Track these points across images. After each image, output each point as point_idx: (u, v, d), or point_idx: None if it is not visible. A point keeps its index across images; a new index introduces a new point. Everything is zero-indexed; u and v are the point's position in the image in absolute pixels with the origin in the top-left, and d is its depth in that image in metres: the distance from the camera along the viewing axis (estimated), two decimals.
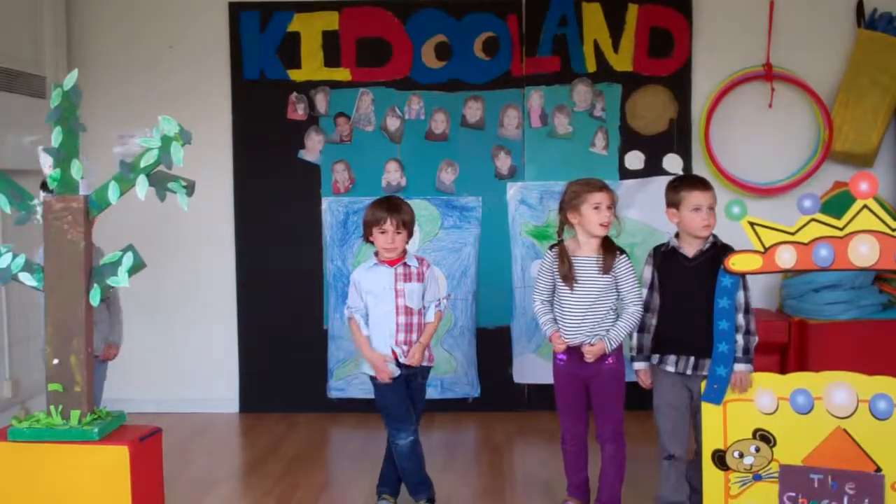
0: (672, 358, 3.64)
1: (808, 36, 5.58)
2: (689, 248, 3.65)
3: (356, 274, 3.97)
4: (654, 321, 3.71)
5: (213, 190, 5.54)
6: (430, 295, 3.96)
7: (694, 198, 3.61)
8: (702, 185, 3.67)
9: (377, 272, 3.90)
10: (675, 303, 3.65)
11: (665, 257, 3.69)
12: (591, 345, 3.64)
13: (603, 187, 3.69)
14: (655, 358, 3.69)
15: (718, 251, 3.59)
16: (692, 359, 3.60)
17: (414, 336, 3.87)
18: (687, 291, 3.62)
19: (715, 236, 3.66)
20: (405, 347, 3.85)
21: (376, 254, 3.94)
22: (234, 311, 5.79)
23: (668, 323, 3.66)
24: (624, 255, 3.69)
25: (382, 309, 3.87)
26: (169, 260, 5.63)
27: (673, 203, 3.67)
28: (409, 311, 3.88)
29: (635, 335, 3.72)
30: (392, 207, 3.85)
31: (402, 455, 3.88)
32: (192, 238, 5.74)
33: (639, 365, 3.74)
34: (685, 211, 3.62)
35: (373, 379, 3.92)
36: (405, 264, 3.91)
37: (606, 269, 3.65)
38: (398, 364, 3.85)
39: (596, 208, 3.64)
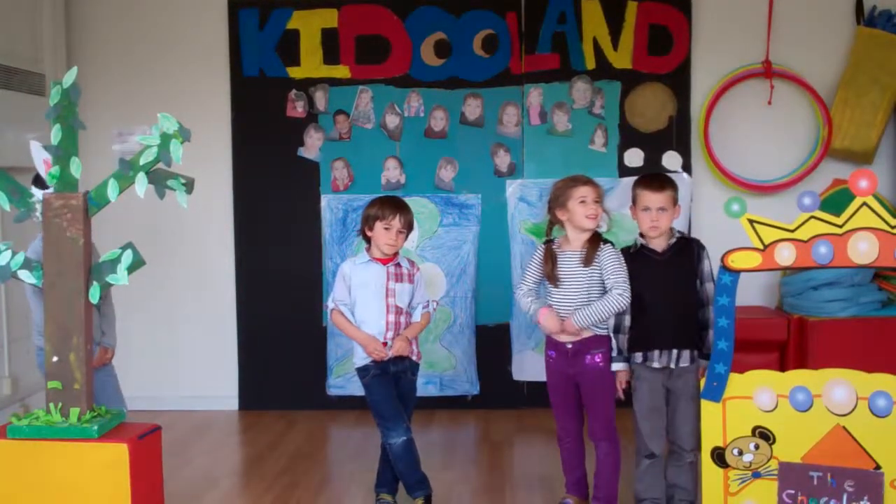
0: (656, 353, 3.65)
1: (807, 33, 5.58)
2: (657, 245, 3.68)
3: (347, 267, 3.96)
4: (627, 322, 3.71)
5: (212, 187, 5.54)
6: (419, 297, 3.98)
7: (643, 198, 3.65)
8: (654, 185, 3.67)
9: (369, 269, 3.91)
10: (651, 299, 3.65)
11: (633, 258, 3.70)
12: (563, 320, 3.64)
13: (588, 181, 3.70)
14: (638, 357, 3.68)
15: (685, 244, 3.66)
16: (675, 352, 3.62)
17: (390, 335, 3.88)
18: (660, 286, 3.64)
19: (681, 232, 3.72)
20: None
21: (368, 249, 3.95)
22: (233, 308, 5.79)
23: (647, 319, 3.66)
24: (608, 245, 3.69)
25: (373, 307, 3.88)
26: (168, 257, 5.62)
27: (633, 199, 3.72)
28: (398, 311, 3.90)
29: (612, 337, 3.72)
30: (401, 206, 3.90)
31: (396, 455, 3.87)
32: (191, 235, 5.74)
33: (617, 366, 3.72)
34: (637, 210, 3.68)
35: (363, 377, 3.92)
36: (397, 264, 3.92)
37: (588, 260, 3.65)
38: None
39: (582, 202, 3.66)
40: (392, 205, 3.90)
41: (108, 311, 4.26)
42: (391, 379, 3.89)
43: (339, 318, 3.93)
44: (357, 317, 3.91)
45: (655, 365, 3.65)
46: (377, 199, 3.98)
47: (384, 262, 3.90)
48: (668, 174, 4.53)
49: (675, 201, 3.66)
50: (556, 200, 3.72)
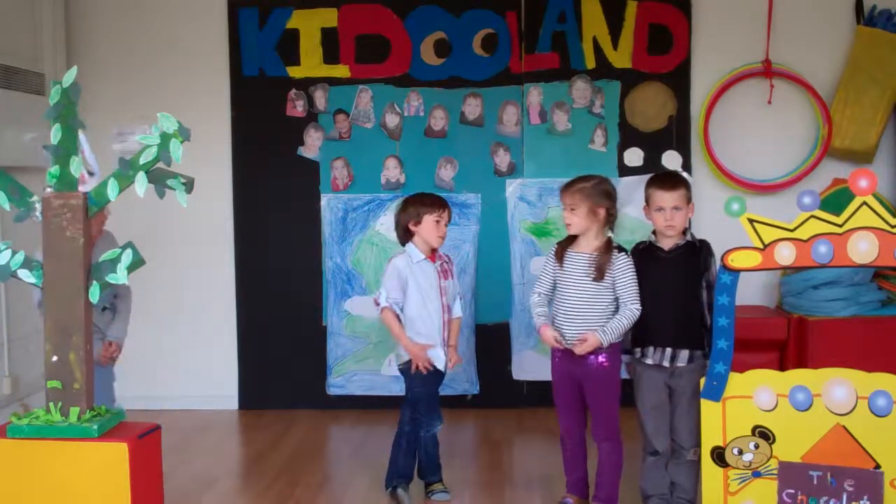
0: (650, 350, 3.68)
1: (807, 33, 5.58)
2: (665, 243, 3.69)
3: (402, 265, 3.92)
4: None
5: (212, 187, 5.54)
6: (455, 288, 4.04)
7: (656, 198, 3.66)
8: (667, 184, 3.68)
9: (425, 268, 3.93)
10: (651, 296, 3.67)
11: (642, 253, 3.74)
12: (583, 340, 3.64)
13: (568, 188, 3.72)
14: (637, 352, 3.73)
15: (694, 246, 3.67)
16: (668, 350, 3.64)
17: (445, 333, 3.97)
18: (662, 284, 3.66)
19: (692, 234, 3.72)
20: (445, 348, 3.97)
21: (405, 244, 3.95)
22: (233, 307, 5.79)
23: (646, 316, 3.68)
24: (623, 254, 3.70)
25: (431, 308, 3.92)
26: (168, 257, 5.61)
27: (646, 200, 3.73)
28: (448, 308, 3.98)
29: None
30: (444, 200, 3.95)
31: (431, 443, 4.00)
32: (191, 235, 5.73)
33: (624, 358, 3.79)
34: (651, 210, 3.69)
35: (409, 371, 3.95)
36: (441, 261, 3.96)
37: (600, 273, 3.65)
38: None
39: (565, 208, 3.71)
40: (437, 199, 3.95)
41: (122, 308, 4.25)
42: (438, 374, 3.98)
43: (392, 319, 3.91)
44: (411, 315, 3.91)
45: (649, 361, 3.68)
46: (416, 196, 4.03)
47: (432, 259, 3.93)
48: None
49: (688, 199, 3.67)
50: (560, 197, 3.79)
